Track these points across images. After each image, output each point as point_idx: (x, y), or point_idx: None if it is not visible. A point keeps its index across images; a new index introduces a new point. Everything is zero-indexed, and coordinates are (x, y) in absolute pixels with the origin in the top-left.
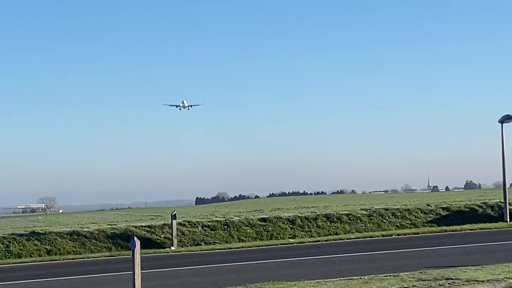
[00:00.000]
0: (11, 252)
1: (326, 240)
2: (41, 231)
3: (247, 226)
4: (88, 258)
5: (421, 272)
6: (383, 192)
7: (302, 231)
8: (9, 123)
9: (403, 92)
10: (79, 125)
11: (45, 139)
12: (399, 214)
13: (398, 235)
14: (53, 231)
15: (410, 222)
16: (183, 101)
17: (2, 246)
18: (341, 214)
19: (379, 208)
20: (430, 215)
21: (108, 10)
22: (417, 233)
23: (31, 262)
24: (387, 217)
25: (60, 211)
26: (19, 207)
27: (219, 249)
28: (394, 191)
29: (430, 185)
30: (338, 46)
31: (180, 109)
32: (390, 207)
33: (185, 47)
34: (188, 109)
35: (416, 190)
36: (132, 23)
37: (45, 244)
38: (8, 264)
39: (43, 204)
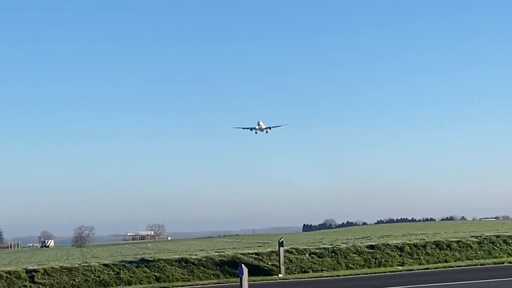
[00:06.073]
0: (121, 279)
1: (436, 268)
2: (150, 258)
3: (355, 253)
4: (197, 285)
5: None
6: (494, 219)
7: (411, 258)
8: (118, 153)
9: None
10: (186, 154)
11: (154, 167)
12: (511, 241)
13: (510, 262)
14: (162, 258)
15: None
16: (259, 122)
17: (112, 273)
18: (451, 241)
19: (490, 235)
20: None
21: (175, 42)
22: None
23: None
24: (498, 244)
25: (169, 238)
26: (129, 234)
27: (327, 276)
28: (505, 218)
29: None
30: (421, 73)
31: (256, 132)
32: (501, 234)
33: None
34: (266, 131)
35: None
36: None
37: (154, 271)
38: None
39: (152, 231)
